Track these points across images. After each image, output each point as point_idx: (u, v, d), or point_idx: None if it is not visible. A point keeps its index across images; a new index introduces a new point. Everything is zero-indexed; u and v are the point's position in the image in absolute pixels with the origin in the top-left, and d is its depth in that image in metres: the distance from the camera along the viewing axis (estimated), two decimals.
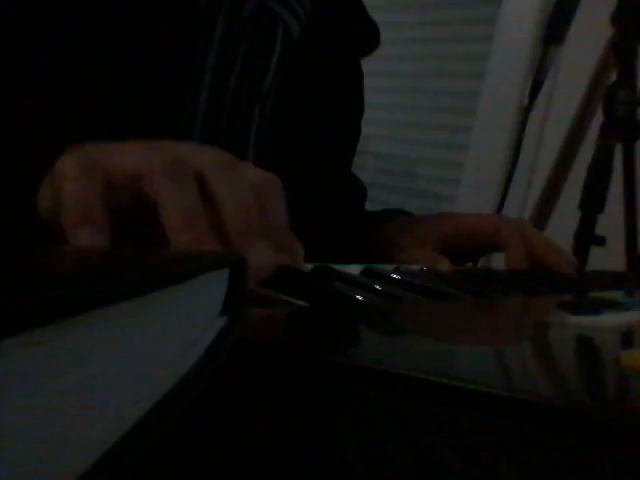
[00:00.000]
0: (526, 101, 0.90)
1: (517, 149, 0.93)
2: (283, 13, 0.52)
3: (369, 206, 0.72)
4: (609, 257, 0.80)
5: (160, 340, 0.12)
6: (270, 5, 0.51)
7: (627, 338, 0.25)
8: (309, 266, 0.34)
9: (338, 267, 0.36)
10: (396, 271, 0.39)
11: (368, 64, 0.67)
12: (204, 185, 0.29)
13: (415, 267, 0.44)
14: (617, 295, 0.41)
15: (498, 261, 0.81)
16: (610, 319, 0.26)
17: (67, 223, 0.27)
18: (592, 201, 0.86)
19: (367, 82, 0.68)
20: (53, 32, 0.41)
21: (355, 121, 0.68)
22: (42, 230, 0.31)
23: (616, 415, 0.13)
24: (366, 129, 0.70)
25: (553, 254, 0.54)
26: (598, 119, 0.88)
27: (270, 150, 0.54)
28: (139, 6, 0.44)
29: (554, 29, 0.84)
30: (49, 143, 0.31)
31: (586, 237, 0.86)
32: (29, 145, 0.38)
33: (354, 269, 0.37)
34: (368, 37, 0.64)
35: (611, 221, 0.85)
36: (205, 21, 0.47)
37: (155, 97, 0.45)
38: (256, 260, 0.26)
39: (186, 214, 0.27)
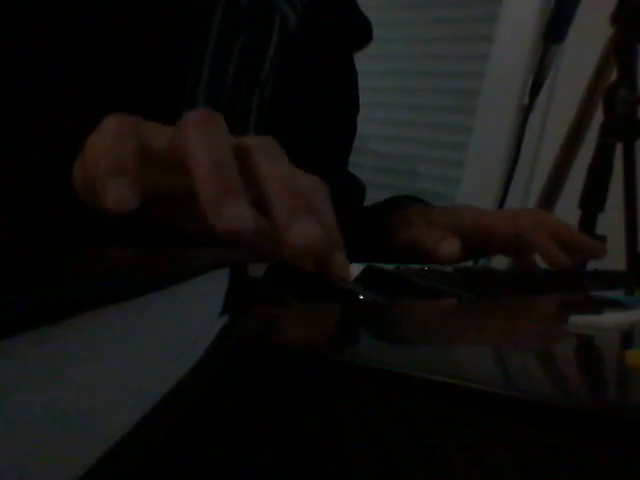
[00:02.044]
0: (526, 100, 0.90)
1: (517, 148, 0.93)
2: (280, 3, 0.52)
3: (368, 205, 0.72)
4: (609, 256, 0.80)
5: (160, 340, 0.12)
6: None
7: (629, 337, 0.25)
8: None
9: None
10: (396, 270, 0.39)
11: (368, 63, 0.68)
12: (245, 161, 0.27)
13: (415, 266, 0.44)
14: (617, 294, 0.41)
15: (498, 261, 0.80)
16: (611, 318, 0.26)
17: (98, 178, 0.26)
18: (592, 200, 0.86)
19: (367, 81, 0.68)
20: (52, 23, 0.41)
21: (351, 117, 0.68)
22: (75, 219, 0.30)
23: (625, 415, 0.13)
24: (366, 128, 0.70)
25: (581, 240, 0.53)
26: (598, 119, 0.88)
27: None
28: None
29: (554, 28, 0.84)
30: (49, 136, 0.31)
31: None
32: (31, 138, 0.38)
33: (354, 268, 0.37)
34: (360, 31, 0.64)
35: (611, 220, 0.85)
36: (203, 11, 0.48)
37: (154, 87, 0.45)
38: (303, 234, 0.25)
39: (214, 160, 0.25)
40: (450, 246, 0.50)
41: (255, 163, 0.27)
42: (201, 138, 0.26)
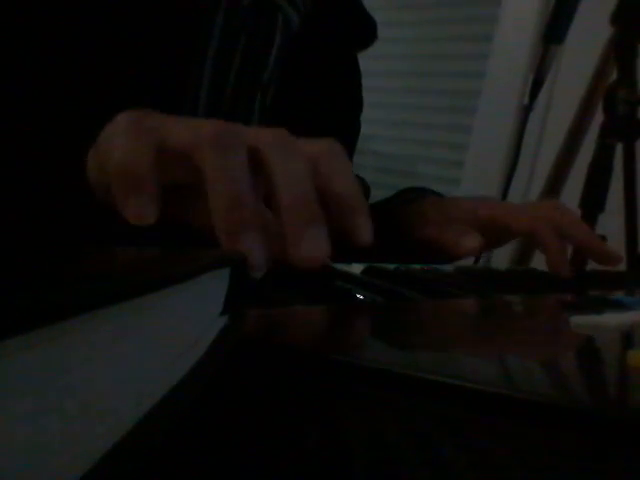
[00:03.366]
0: (526, 100, 0.90)
1: (517, 148, 0.93)
2: (283, 4, 0.52)
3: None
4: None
5: (161, 340, 0.12)
6: None
7: (629, 338, 0.25)
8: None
9: (340, 266, 0.36)
10: (397, 270, 0.39)
11: (369, 63, 0.67)
12: (258, 160, 0.27)
13: (415, 266, 0.44)
14: (617, 295, 0.41)
15: (499, 261, 0.80)
16: (612, 319, 0.26)
17: (117, 191, 0.25)
18: (592, 200, 0.86)
19: (368, 81, 0.68)
20: (53, 23, 0.41)
21: (355, 117, 0.68)
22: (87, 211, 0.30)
23: (625, 415, 0.13)
24: (366, 128, 0.70)
25: (595, 244, 0.52)
26: (598, 119, 0.88)
27: None
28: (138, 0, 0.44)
29: (554, 28, 0.84)
30: (50, 137, 0.31)
31: None
32: (34, 137, 0.38)
33: (356, 268, 0.37)
34: (365, 31, 0.64)
35: (611, 220, 0.85)
36: (205, 12, 0.47)
37: (155, 89, 0.45)
38: (308, 247, 0.25)
39: (232, 191, 0.25)
40: (472, 241, 0.50)
41: (267, 165, 0.27)
42: (219, 163, 0.26)
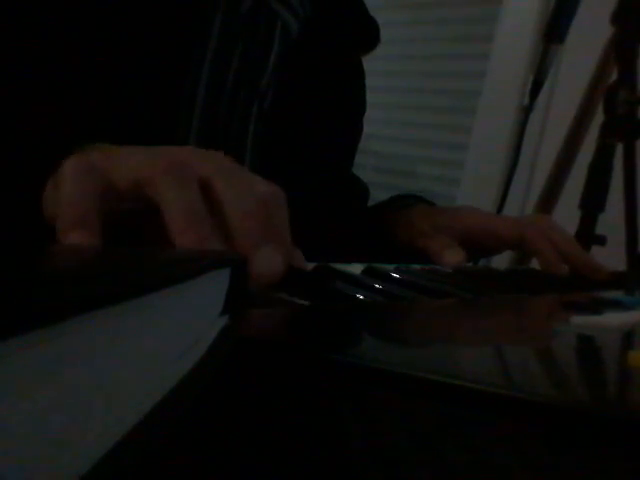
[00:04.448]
0: (526, 101, 0.90)
1: (517, 149, 0.93)
2: (281, 10, 0.52)
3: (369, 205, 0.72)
4: (609, 257, 0.80)
5: (161, 340, 0.12)
6: (268, 2, 0.51)
7: (630, 338, 0.25)
8: (309, 265, 0.34)
9: (339, 266, 0.36)
10: (397, 270, 0.39)
11: (368, 63, 0.67)
12: (208, 190, 0.28)
13: (416, 266, 0.44)
14: (617, 295, 0.41)
15: (498, 261, 0.80)
16: (612, 319, 0.26)
17: (60, 225, 0.27)
18: (592, 201, 0.86)
19: (367, 81, 0.68)
20: (50, 32, 0.41)
21: (357, 120, 0.68)
22: (47, 232, 0.31)
23: (626, 415, 0.13)
24: (366, 128, 0.70)
25: (580, 257, 0.53)
26: (598, 119, 0.88)
27: (268, 148, 0.54)
28: (136, 3, 0.44)
29: (555, 28, 0.84)
30: (47, 144, 0.31)
31: (587, 237, 0.86)
32: (29, 147, 0.38)
33: (355, 268, 0.37)
34: (368, 34, 0.64)
35: (611, 221, 0.85)
36: (203, 18, 0.47)
37: (151, 94, 0.45)
38: (263, 265, 0.26)
39: (189, 214, 0.27)
40: (455, 255, 0.52)
41: (216, 194, 0.28)
42: (173, 193, 0.27)
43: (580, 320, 0.25)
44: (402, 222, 0.59)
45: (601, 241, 0.86)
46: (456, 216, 0.58)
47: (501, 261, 0.77)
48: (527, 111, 0.91)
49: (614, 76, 0.84)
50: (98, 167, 0.29)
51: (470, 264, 0.62)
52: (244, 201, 0.28)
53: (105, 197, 0.28)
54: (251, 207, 0.28)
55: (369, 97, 0.69)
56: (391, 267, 0.40)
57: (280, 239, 0.29)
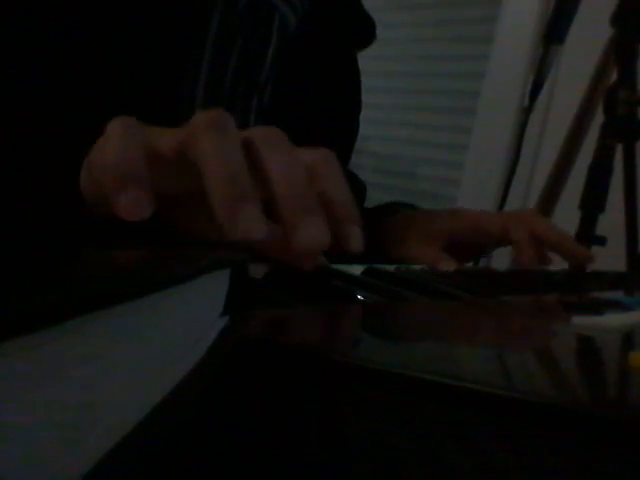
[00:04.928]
0: (526, 101, 0.90)
1: (517, 149, 0.93)
2: (279, 4, 0.52)
3: (368, 206, 0.72)
4: (609, 257, 0.80)
5: (162, 340, 0.12)
6: None
7: (630, 339, 0.25)
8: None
9: (339, 267, 0.36)
10: (397, 271, 0.39)
11: (368, 64, 0.68)
12: (252, 154, 0.27)
13: (416, 267, 0.44)
14: (617, 295, 0.41)
15: (498, 261, 0.80)
16: (612, 319, 0.26)
17: (109, 185, 0.25)
18: (592, 201, 0.86)
19: (367, 82, 0.68)
20: (51, 28, 0.41)
21: (353, 117, 0.68)
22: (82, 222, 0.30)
23: (626, 416, 0.13)
24: (366, 129, 0.70)
25: (564, 244, 0.54)
26: (598, 119, 0.88)
27: None
28: (135, 1, 0.44)
29: (554, 29, 0.84)
30: (48, 138, 0.31)
31: (586, 237, 0.86)
32: (28, 147, 0.38)
33: (355, 269, 0.37)
34: (364, 30, 0.64)
35: (611, 221, 0.85)
36: (201, 13, 0.47)
37: (152, 90, 0.45)
38: (307, 235, 0.25)
39: (229, 170, 0.25)
40: (447, 267, 0.53)
41: (262, 157, 0.27)
42: (213, 143, 0.26)
43: (580, 320, 0.25)
44: (391, 232, 0.60)
45: (601, 241, 0.86)
46: (442, 220, 0.59)
47: (501, 261, 0.77)
48: (527, 112, 0.91)
49: (614, 76, 0.84)
50: (143, 127, 0.28)
51: (470, 264, 0.62)
52: (289, 166, 0.27)
53: (150, 163, 0.26)
54: (296, 173, 0.27)
55: (369, 97, 0.69)
56: (391, 268, 0.40)
57: (337, 206, 0.28)
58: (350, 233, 0.28)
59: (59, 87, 0.41)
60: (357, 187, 0.71)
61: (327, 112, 0.61)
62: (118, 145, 0.26)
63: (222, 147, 0.26)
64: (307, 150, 0.29)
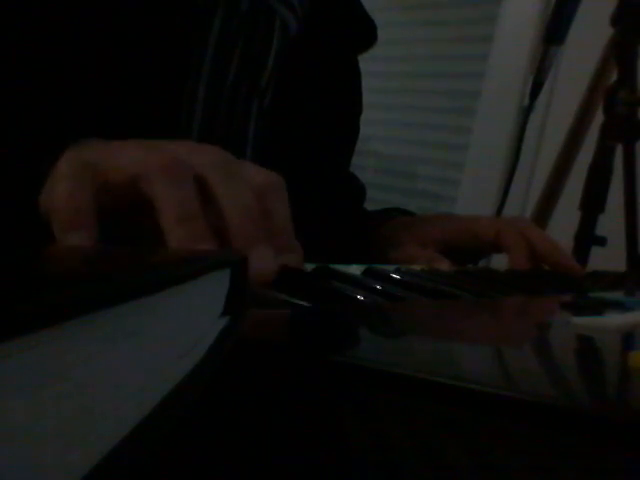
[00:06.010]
0: (526, 101, 0.90)
1: (517, 149, 0.93)
2: (280, 8, 0.52)
3: (369, 206, 0.72)
4: (609, 257, 0.80)
5: (161, 341, 0.12)
6: (267, 0, 0.51)
7: (630, 339, 0.25)
8: (309, 266, 0.34)
9: (339, 267, 0.36)
10: (397, 271, 0.39)
11: (368, 64, 0.68)
12: (204, 187, 0.28)
13: (415, 267, 0.44)
14: (617, 295, 0.41)
15: (498, 261, 0.80)
16: (613, 319, 0.26)
17: (56, 227, 0.27)
18: (592, 201, 0.86)
19: (367, 82, 0.68)
20: (52, 28, 0.41)
21: (354, 119, 0.68)
22: (44, 231, 0.31)
23: (626, 416, 0.13)
24: (366, 129, 0.70)
25: (555, 255, 0.54)
26: (598, 119, 0.88)
27: (268, 145, 0.54)
28: (137, 2, 0.44)
29: (554, 29, 0.84)
30: (50, 140, 0.31)
31: (586, 237, 0.86)
32: (31, 142, 0.38)
33: (355, 269, 0.37)
34: (365, 33, 0.64)
35: (611, 221, 0.85)
36: (203, 16, 0.47)
37: (153, 92, 0.45)
38: (257, 264, 0.26)
39: (182, 211, 0.26)
40: (442, 267, 0.53)
41: (212, 191, 0.28)
42: (168, 191, 0.27)
43: (580, 321, 0.25)
44: (387, 237, 0.60)
45: (601, 242, 0.86)
46: (437, 224, 0.59)
47: (502, 262, 0.77)
48: (527, 112, 0.91)
49: (614, 76, 0.84)
50: (92, 164, 0.29)
51: (470, 267, 0.62)
52: (239, 197, 0.28)
53: (100, 194, 0.28)
54: (246, 202, 0.28)
55: (369, 98, 0.69)
56: (391, 268, 0.40)
57: (278, 232, 0.29)
58: (288, 261, 0.30)
59: (60, 87, 0.41)
60: (356, 189, 0.71)
61: (328, 115, 0.61)
62: (66, 187, 0.27)
63: (177, 195, 0.27)
64: (260, 171, 0.31)
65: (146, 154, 0.29)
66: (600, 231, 0.87)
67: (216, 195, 0.28)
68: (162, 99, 0.46)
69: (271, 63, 0.53)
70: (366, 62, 0.67)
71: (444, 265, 0.51)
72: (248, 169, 0.31)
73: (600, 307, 0.33)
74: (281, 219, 0.30)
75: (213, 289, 0.17)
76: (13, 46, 0.40)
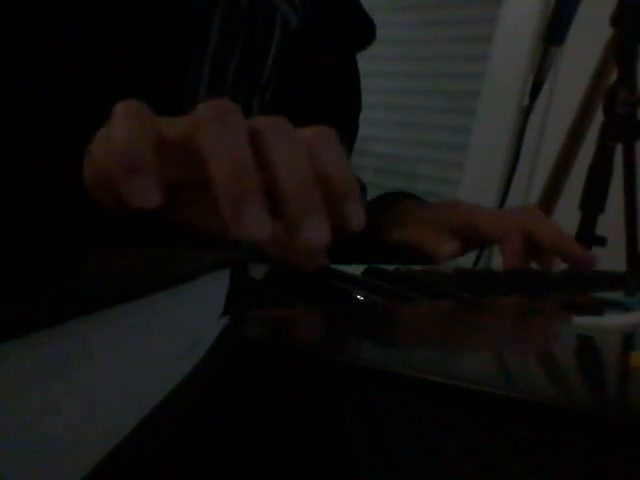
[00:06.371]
0: (526, 101, 0.90)
1: (517, 150, 0.93)
2: (281, 4, 0.52)
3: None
4: (609, 257, 0.80)
5: (162, 341, 0.12)
6: None
7: (631, 339, 0.25)
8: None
9: (339, 267, 0.36)
10: (397, 271, 0.39)
11: (368, 64, 0.68)
12: (258, 144, 0.26)
13: (416, 267, 0.44)
14: (618, 295, 0.41)
15: (498, 261, 0.80)
16: (613, 319, 0.26)
17: (116, 171, 0.24)
18: (592, 201, 0.86)
19: (368, 82, 0.68)
20: (54, 24, 0.41)
21: (353, 117, 0.68)
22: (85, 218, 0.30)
23: (626, 416, 0.13)
24: (366, 129, 0.70)
25: (563, 246, 0.52)
26: (598, 120, 0.88)
27: None
28: (137, 1, 0.44)
29: (554, 29, 0.84)
30: (50, 136, 0.31)
31: (587, 237, 0.86)
32: (33, 138, 0.38)
33: (355, 269, 0.37)
34: (364, 31, 0.64)
35: (611, 221, 0.85)
36: (203, 13, 0.47)
37: (154, 89, 0.45)
38: (310, 235, 0.25)
39: (234, 164, 0.24)
40: (450, 248, 0.52)
41: (267, 148, 0.27)
42: (218, 135, 0.25)
43: (581, 321, 0.25)
44: (394, 218, 0.59)
45: (601, 242, 0.86)
46: (442, 211, 0.58)
47: (501, 262, 0.77)
48: (527, 112, 0.91)
49: (614, 76, 0.84)
50: (148, 113, 0.27)
51: (470, 267, 0.62)
52: (295, 161, 0.26)
53: (157, 145, 0.26)
54: (302, 169, 0.26)
55: (369, 98, 0.69)
56: (391, 268, 0.40)
57: (338, 192, 0.27)
58: (350, 211, 0.28)
59: (61, 83, 0.41)
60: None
61: (326, 113, 0.61)
62: (125, 130, 0.25)
63: (227, 139, 0.25)
64: (307, 129, 0.29)
65: (200, 105, 0.27)
66: (600, 231, 0.87)
67: (269, 154, 0.26)
68: (163, 94, 0.46)
69: (271, 59, 0.53)
70: (366, 62, 0.67)
71: (453, 246, 0.51)
72: (299, 130, 0.29)
73: (600, 307, 0.33)
74: (337, 169, 0.28)
75: (213, 289, 0.17)
76: (13, 46, 0.40)
